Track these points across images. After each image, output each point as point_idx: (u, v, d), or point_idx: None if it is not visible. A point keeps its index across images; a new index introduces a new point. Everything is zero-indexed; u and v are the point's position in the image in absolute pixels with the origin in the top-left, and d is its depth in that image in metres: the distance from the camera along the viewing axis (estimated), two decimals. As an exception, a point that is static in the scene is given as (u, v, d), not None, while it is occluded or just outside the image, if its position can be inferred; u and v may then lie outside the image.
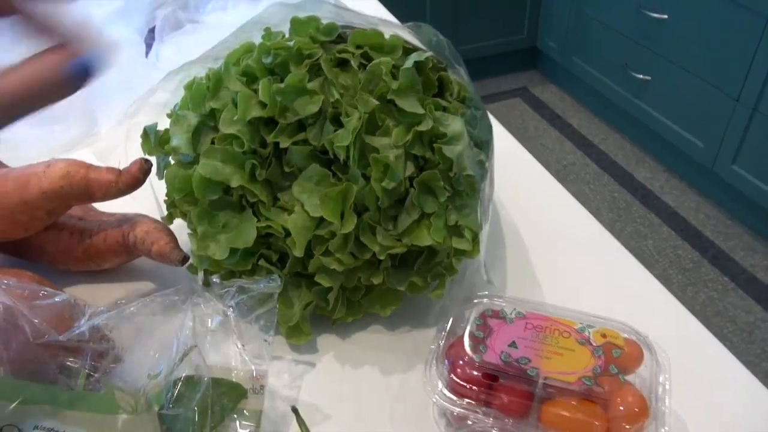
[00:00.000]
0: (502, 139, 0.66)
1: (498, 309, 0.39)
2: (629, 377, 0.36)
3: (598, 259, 0.52)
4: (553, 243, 0.53)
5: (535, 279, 0.50)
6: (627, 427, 0.33)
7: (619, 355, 0.36)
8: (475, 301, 0.41)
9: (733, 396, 0.41)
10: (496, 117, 0.57)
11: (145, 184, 0.45)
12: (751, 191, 1.65)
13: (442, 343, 0.39)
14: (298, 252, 0.40)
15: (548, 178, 0.61)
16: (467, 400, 0.36)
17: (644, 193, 1.91)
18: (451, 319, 0.41)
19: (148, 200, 0.48)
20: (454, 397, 0.36)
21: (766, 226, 1.69)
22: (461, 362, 0.36)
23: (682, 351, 0.42)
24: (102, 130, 0.67)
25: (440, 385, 0.37)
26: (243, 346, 0.37)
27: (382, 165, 0.39)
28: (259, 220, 0.42)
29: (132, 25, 0.75)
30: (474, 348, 0.37)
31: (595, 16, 2.07)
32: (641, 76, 1.92)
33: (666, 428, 0.34)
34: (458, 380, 0.36)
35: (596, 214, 1.85)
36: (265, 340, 0.38)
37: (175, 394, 0.34)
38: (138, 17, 0.75)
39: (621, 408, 0.34)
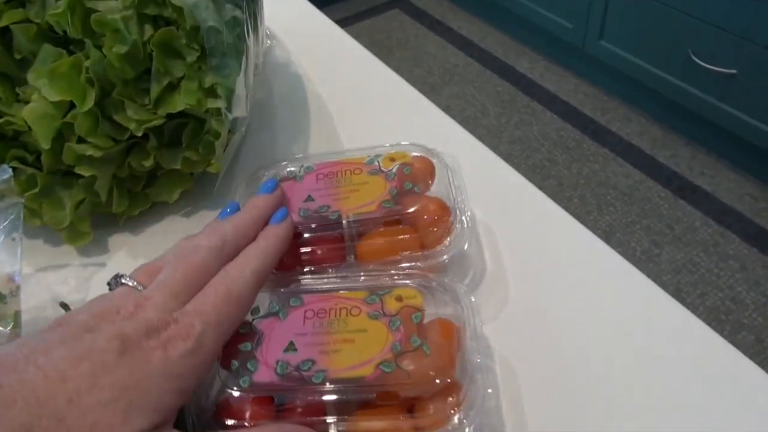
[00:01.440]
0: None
1: (285, 170, 0.37)
2: (430, 192, 0.36)
3: (394, 107, 0.52)
4: (354, 102, 0.52)
5: (336, 136, 0.49)
6: (435, 230, 0.33)
7: (410, 171, 0.35)
8: (260, 172, 0.39)
9: (511, 194, 0.43)
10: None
11: None
12: (619, 63, 1.71)
13: None
14: (44, 144, 0.37)
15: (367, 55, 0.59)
16: (280, 269, 0.34)
17: (526, 83, 1.95)
18: (239, 191, 0.38)
19: None
20: None
21: (637, 94, 1.77)
22: None
23: (475, 164, 0.42)
24: None
25: None
26: (-16, 248, 0.34)
27: (110, 30, 0.36)
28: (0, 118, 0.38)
29: None
30: None
31: None
32: (507, -34, 1.92)
33: (467, 217, 0.34)
34: None
35: (483, 109, 1.87)
36: (13, 239, 0.35)
37: None
38: None
39: (425, 217, 0.33)
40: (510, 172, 0.44)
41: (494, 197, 0.42)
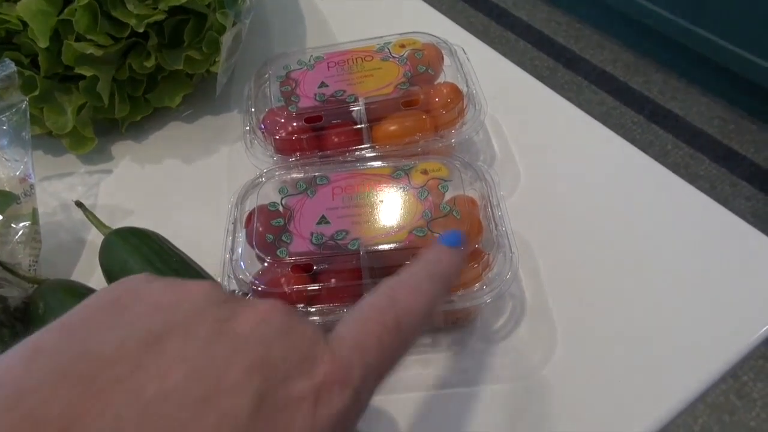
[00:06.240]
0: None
1: (294, 61, 0.37)
2: (438, 81, 0.37)
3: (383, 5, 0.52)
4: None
5: (333, 37, 0.48)
6: (449, 112, 0.34)
7: (422, 56, 0.36)
8: (268, 66, 0.39)
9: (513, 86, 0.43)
10: None
11: None
12: (593, -11, 1.70)
13: (253, 110, 0.36)
14: (42, 42, 0.36)
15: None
16: (298, 153, 0.34)
17: (498, 12, 1.93)
18: (250, 89, 0.38)
19: None
20: (285, 156, 0.34)
21: (609, 21, 1.77)
22: (279, 120, 0.34)
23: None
24: None
25: (266, 151, 0.35)
26: (-7, 146, 0.33)
27: None
28: (-10, 19, 0.36)
29: None
30: (287, 101, 0.35)
31: None
32: None
33: (479, 101, 0.35)
34: (282, 137, 0.34)
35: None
36: (23, 136, 0.34)
37: None
38: None
39: (437, 99, 0.34)
40: (510, 66, 0.45)
41: (497, 90, 0.43)
